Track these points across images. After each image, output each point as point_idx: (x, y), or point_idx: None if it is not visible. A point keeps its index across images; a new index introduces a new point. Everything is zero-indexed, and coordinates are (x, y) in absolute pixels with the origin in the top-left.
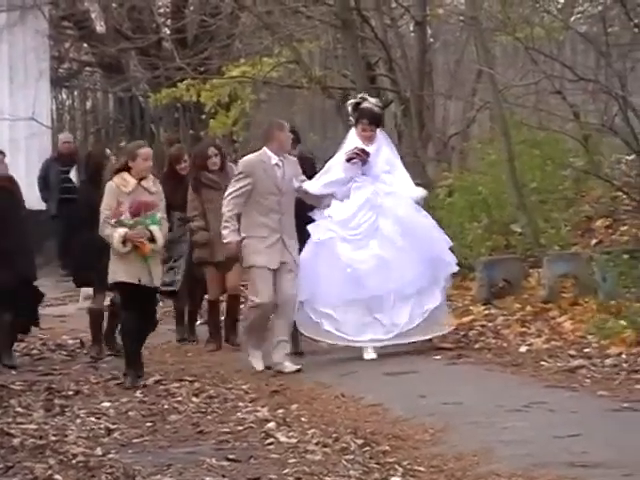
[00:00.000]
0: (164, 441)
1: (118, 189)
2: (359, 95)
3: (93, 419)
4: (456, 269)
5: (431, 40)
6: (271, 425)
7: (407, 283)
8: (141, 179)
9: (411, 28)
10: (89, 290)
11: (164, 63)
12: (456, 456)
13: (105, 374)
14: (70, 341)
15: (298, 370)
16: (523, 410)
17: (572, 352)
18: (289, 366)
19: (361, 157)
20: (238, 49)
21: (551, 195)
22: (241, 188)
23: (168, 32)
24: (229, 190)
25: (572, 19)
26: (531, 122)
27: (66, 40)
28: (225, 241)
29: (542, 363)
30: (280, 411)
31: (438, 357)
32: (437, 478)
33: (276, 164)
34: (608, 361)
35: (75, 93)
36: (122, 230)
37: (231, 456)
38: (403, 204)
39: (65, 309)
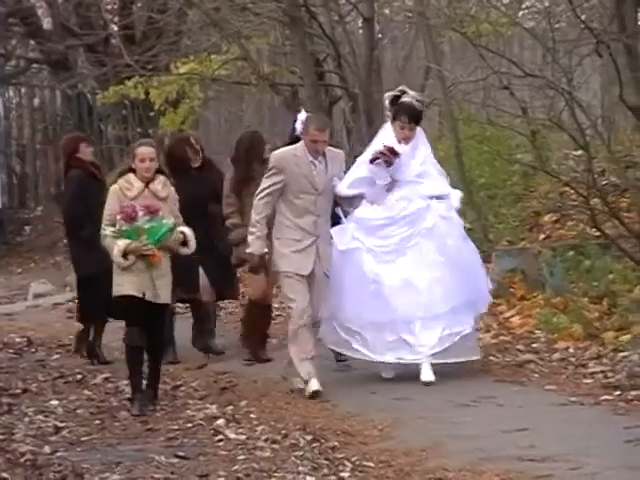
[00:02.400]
0: (113, 439)
1: (121, 193)
2: (398, 87)
3: (41, 417)
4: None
5: (379, 36)
6: (220, 422)
7: (437, 308)
8: (149, 181)
9: (359, 24)
10: (38, 288)
11: (112, 60)
12: (405, 451)
13: (53, 372)
14: (18, 339)
15: (317, 392)
16: (472, 405)
17: (520, 347)
18: (311, 386)
19: (387, 157)
20: (186, 46)
21: (499, 190)
22: (272, 185)
23: (116, 29)
24: (260, 188)
25: (519, 15)
26: (479, 118)
27: (12, 37)
28: (247, 250)
29: (491, 358)
30: (229, 408)
31: None
32: (386, 473)
33: (312, 161)
34: (556, 355)
35: (22, 90)
36: (122, 242)
37: (180, 453)
38: (455, 233)
39: (13, 307)
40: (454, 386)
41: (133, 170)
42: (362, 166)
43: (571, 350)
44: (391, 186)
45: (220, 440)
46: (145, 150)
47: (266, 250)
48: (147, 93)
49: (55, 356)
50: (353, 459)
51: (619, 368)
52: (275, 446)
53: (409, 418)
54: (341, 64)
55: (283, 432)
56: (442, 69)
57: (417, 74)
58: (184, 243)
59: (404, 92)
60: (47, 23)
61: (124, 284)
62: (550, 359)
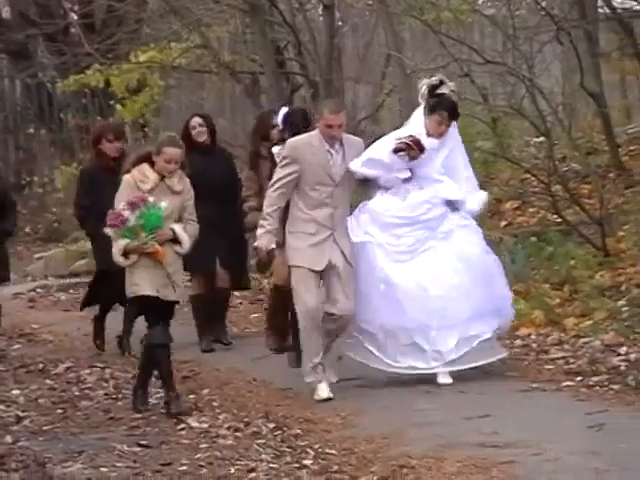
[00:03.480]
0: (75, 428)
1: (135, 185)
2: (436, 76)
3: (2, 407)
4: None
5: (340, 24)
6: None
7: (453, 316)
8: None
9: (320, 12)
10: None
11: (72, 49)
12: (367, 439)
13: (15, 362)
14: None
15: (328, 399)
16: (433, 392)
17: None
18: (320, 392)
19: (412, 150)
20: (146, 34)
21: None
22: (286, 176)
23: (75, 17)
24: (273, 179)
25: (480, 2)
26: None
27: None
28: (255, 244)
29: None
30: (192, 396)
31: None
32: (348, 461)
33: (328, 150)
34: (517, 342)
35: None
36: (122, 242)
37: (142, 442)
38: (474, 239)
39: None
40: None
41: (149, 160)
42: (383, 149)
43: (533, 336)
44: (408, 179)
45: (182, 429)
46: (173, 152)
47: (274, 246)
48: (107, 82)
49: (16, 346)
50: (316, 447)
51: (580, 354)
52: (238, 434)
53: (371, 406)
54: (302, 52)
55: (245, 420)
56: (402, 56)
57: (378, 61)
58: (175, 241)
59: (442, 82)
60: (6, 12)
61: (139, 283)
62: (512, 345)
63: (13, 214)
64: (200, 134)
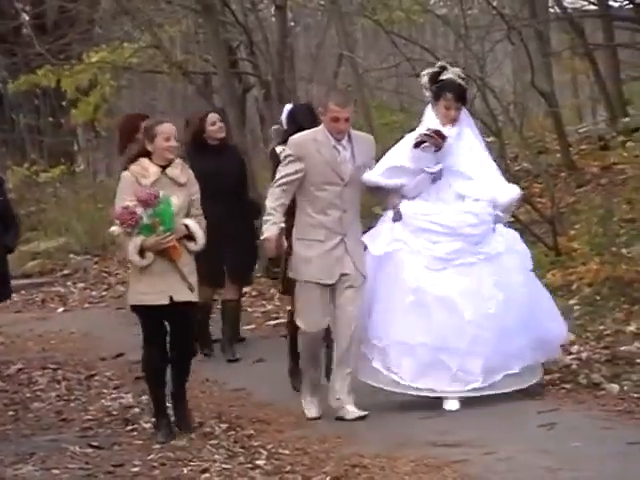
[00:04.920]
0: (27, 430)
1: (136, 181)
2: (438, 63)
3: None
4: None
5: (292, 24)
6: (135, 411)
7: (483, 346)
8: (166, 166)
9: (272, 12)
10: None
11: (23, 49)
12: (320, 439)
13: None
14: None
15: (362, 417)
16: (385, 392)
17: None
18: (351, 411)
19: (435, 140)
20: (98, 35)
21: None
22: (290, 175)
23: (27, 18)
24: (276, 178)
25: (432, 2)
26: (392, 105)
27: None
28: (262, 237)
29: None
30: (144, 397)
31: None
32: (301, 461)
33: (335, 146)
34: None
35: None
36: (138, 239)
37: (95, 443)
38: (522, 267)
39: None
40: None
41: (146, 153)
42: (399, 153)
43: None
44: (438, 175)
45: (134, 429)
46: (168, 127)
47: (283, 225)
48: (58, 82)
49: None
50: (269, 447)
51: None
52: (190, 435)
53: (324, 406)
54: (254, 52)
55: (199, 421)
56: (355, 56)
57: (330, 61)
58: (189, 237)
59: (444, 68)
60: None
61: (146, 291)
62: None
63: (15, 229)
64: (220, 130)
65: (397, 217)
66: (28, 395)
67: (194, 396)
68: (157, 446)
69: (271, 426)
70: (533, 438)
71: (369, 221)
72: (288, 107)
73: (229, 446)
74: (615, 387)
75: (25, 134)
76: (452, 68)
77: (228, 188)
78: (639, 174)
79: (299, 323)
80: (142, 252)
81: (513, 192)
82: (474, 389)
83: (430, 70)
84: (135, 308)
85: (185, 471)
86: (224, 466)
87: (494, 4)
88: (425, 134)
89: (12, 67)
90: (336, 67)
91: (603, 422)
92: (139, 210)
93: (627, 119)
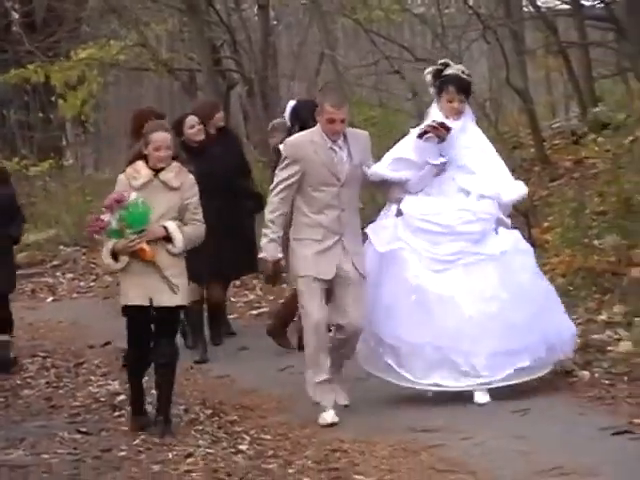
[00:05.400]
0: (17, 416)
1: (128, 183)
2: (440, 60)
3: None
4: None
5: (274, 23)
6: (121, 398)
7: (487, 346)
8: (161, 169)
9: (255, 11)
10: None
11: (13, 47)
12: (301, 424)
13: None
14: None
15: (332, 424)
16: (365, 379)
17: None
18: (327, 415)
19: (438, 131)
20: (86, 32)
21: None
22: (288, 178)
23: (17, 16)
24: (274, 182)
25: (410, 1)
26: (371, 101)
27: None
28: (260, 255)
29: None
30: None
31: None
32: (283, 446)
33: (331, 147)
34: None
35: None
36: (110, 242)
37: (83, 429)
38: (528, 266)
39: None
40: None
41: (144, 156)
42: (404, 147)
43: None
44: (441, 168)
45: (121, 415)
46: (160, 136)
47: (280, 255)
48: (47, 77)
49: None
50: (251, 432)
51: None
52: (176, 420)
53: (305, 393)
54: (237, 50)
55: (184, 407)
56: (335, 54)
57: (311, 59)
58: (169, 239)
59: (447, 64)
60: None
61: (128, 292)
62: None
63: (20, 221)
64: (199, 132)
65: (399, 213)
66: (18, 382)
67: (179, 383)
68: (143, 432)
69: (254, 412)
70: (508, 424)
71: (373, 212)
72: (292, 103)
73: (213, 431)
74: (586, 374)
75: (15, 129)
76: (455, 65)
77: (214, 189)
78: (610, 168)
79: (304, 320)
80: (116, 255)
81: (519, 190)
82: (483, 383)
83: (433, 67)
84: (123, 308)
85: (170, 456)
86: (208, 451)
87: (470, 4)
88: (429, 125)
89: (2, 64)
90: (317, 65)
91: (575, 408)
92: (105, 217)
93: (596, 109)
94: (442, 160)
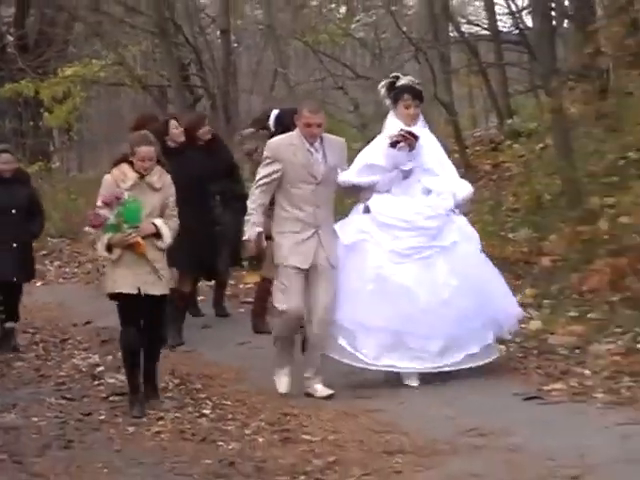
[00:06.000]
0: (10, 384)
1: (115, 184)
2: (392, 74)
3: None
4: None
5: (235, 45)
6: (101, 369)
7: (441, 330)
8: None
9: (217, 35)
10: None
11: (8, 65)
12: (257, 392)
13: None
14: None
15: (330, 396)
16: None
17: None
18: (320, 389)
19: (409, 140)
20: (72, 53)
21: None
22: (269, 175)
23: (11, 39)
24: (257, 178)
25: (352, 27)
26: None
27: None
28: (244, 238)
29: None
30: (109, 357)
31: (242, 310)
32: (241, 410)
33: (309, 149)
34: None
35: None
36: (106, 236)
37: (67, 395)
38: (473, 251)
39: None
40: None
41: (128, 161)
42: (372, 153)
43: None
44: (408, 172)
45: (100, 384)
46: (146, 150)
47: (260, 229)
48: (37, 92)
49: None
50: (214, 399)
51: None
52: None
53: (262, 364)
54: (202, 68)
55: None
56: (288, 72)
57: (267, 76)
58: (158, 235)
59: (398, 77)
60: None
61: (117, 280)
62: None
63: (40, 218)
64: (180, 134)
65: (366, 210)
66: (11, 355)
67: None
68: (119, 398)
69: (216, 381)
70: (436, 392)
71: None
72: (275, 112)
73: (180, 398)
74: (502, 348)
75: (10, 136)
76: (405, 77)
77: (185, 188)
78: (523, 171)
79: (278, 305)
80: (110, 248)
81: (468, 188)
82: (433, 367)
83: (386, 81)
84: (110, 296)
85: (144, 419)
86: (176, 415)
87: (404, 29)
88: (401, 134)
89: None
90: (272, 81)
91: (494, 378)
92: (104, 212)
93: (510, 121)
94: (411, 166)
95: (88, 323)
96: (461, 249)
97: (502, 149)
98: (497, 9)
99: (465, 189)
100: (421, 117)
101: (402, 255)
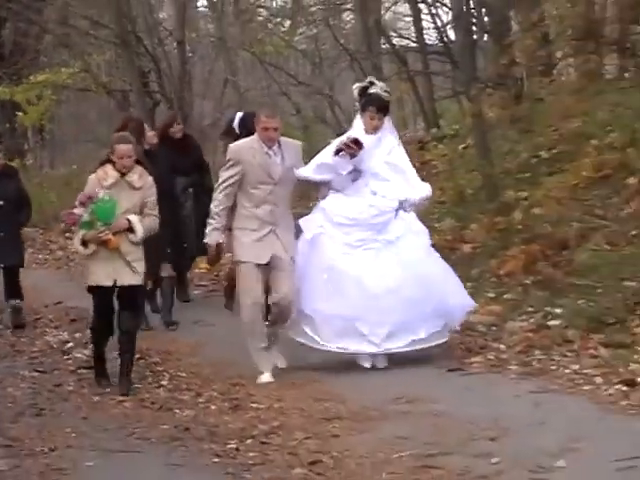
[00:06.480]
0: None
1: (98, 182)
2: (367, 79)
3: None
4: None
5: (190, 55)
6: (70, 345)
7: (390, 317)
8: (126, 172)
9: (174, 46)
10: None
11: None
12: (210, 364)
13: None
14: None
15: (281, 368)
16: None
17: None
18: (264, 377)
19: (351, 149)
20: (43, 61)
21: None
22: (231, 177)
23: None
24: (219, 181)
25: (295, 39)
26: None
27: None
28: (205, 241)
29: None
30: (77, 335)
31: (197, 292)
32: (195, 381)
33: (267, 152)
34: None
35: None
36: (80, 233)
37: (40, 369)
38: (419, 245)
39: None
40: None
41: (111, 160)
42: (326, 154)
43: None
44: (356, 176)
45: (70, 359)
46: (123, 148)
47: (221, 240)
48: (12, 96)
49: None
50: (170, 371)
51: None
52: (112, 363)
53: (213, 339)
54: (161, 75)
55: (118, 352)
56: (237, 80)
57: (218, 84)
58: (131, 230)
59: (372, 83)
60: None
61: (95, 272)
62: None
63: (27, 209)
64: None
65: (323, 209)
66: None
67: (116, 334)
68: (85, 371)
69: (173, 355)
70: (390, 377)
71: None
72: (239, 114)
73: (140, 371)
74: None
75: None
76: (379, 83)
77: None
78: (447, 168)
79: (241, 299)
80: (85, 243)
81: (425, 190)
82: (382, 350)
83: (360, 84)
84: (88, 287)
85: (109, 390)
86: (137, 386)
87: (341, 41)
88: (344, 143)
89: None
90: (223, 88)
91: (422, 353)
92: (78, 211)
93: (435, 130)
94: (348, 170)
95: (59, 303)
96: (407, 242)
97: (429, 149)
98: (424, 24)
99: (424, 190)
100: (388, 124)
101: (352, 246)
